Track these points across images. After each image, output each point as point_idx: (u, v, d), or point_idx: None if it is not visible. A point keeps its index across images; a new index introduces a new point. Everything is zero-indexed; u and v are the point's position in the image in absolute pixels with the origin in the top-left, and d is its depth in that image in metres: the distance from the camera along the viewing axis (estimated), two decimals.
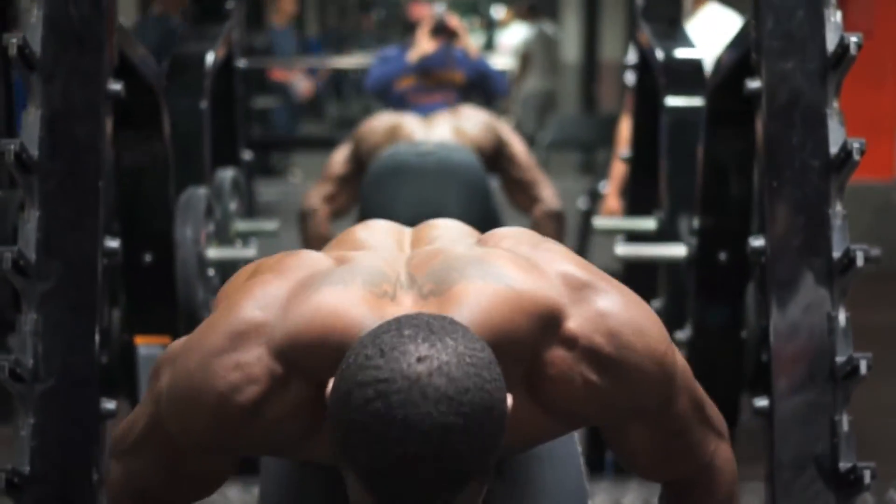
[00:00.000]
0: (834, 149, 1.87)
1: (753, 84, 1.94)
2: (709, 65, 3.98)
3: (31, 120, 1.87)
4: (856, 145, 1.83)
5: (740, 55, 2.11)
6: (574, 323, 1.31)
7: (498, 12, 15.25)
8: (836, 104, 1.90)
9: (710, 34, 4.05)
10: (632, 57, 3.16)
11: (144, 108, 2.29)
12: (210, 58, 2.85)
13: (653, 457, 1.42)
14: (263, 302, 1.31)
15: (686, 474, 1.45)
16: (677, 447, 1.41)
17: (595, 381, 1.31)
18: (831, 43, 1.88)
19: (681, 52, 2.92)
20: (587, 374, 1.31)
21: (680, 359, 1.40)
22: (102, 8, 1.91)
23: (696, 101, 2.79)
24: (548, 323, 1.30)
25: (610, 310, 1.33)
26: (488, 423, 1.13)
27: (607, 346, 1.31)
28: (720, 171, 2.43)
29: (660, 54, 2.89)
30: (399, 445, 1.11)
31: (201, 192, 2.53)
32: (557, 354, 1.31)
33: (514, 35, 11.32)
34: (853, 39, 1.84)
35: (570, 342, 1.31)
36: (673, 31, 3.02)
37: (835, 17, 1.90)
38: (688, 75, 2.85)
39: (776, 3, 1.92)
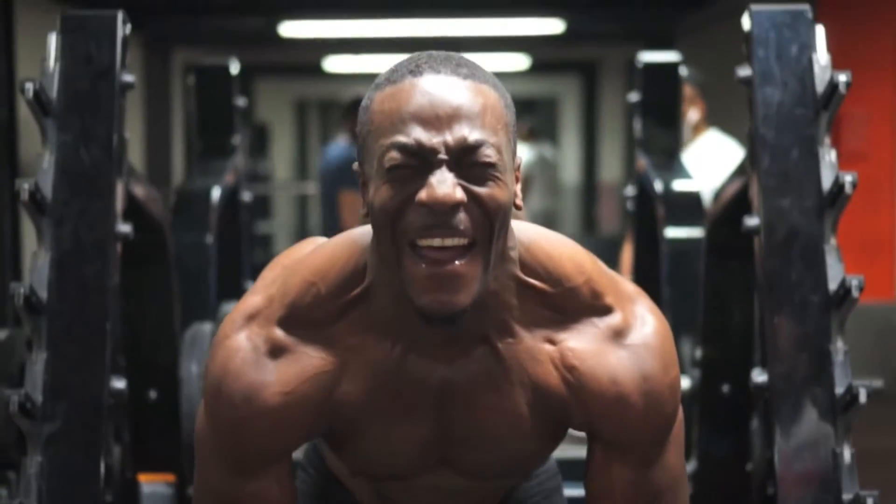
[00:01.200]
0: (833, 285, 1.89)
1: (752, 221, 1.97)
2: (708, 191, 4.05)
3: (41, 263, 1.90)
4: (854, 282, 1.85)
5: (738, 190, 2.14)
6: (618, 316, 1.38)
7: None
8: (833, 241, 1.92)
9: (709, 162, 4.12)
10: (630, 189, 3.20)
11: (151, 245, 2.32)
12: (216, 193, 2.89)
13: None
14: (261, 287, 1.40)
15: None
16: None
17: (616, 365, 1.35)
18: (827, 181, 1.92)
19: (680, 184, 2.96)
20: (613, 354, 1.36)
21: (679, 423, 1.43)
22: (113, 152, 1.95)
23: (695, 233, 2.83)
24: (598, 295, 1.37)
25: (651, 320, 1.39)
26: (502, 86, 1.29)
27: (639, 341, 1.36)
28: (721, 303, 2.44)
29: (659, 186, 2.93)
30: (423, 95, 1.23)
31: (206, 328, 2.55)
32: (593, 324, 1.36)
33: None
34: (848, 178, 1.87)
35: (608, 315, 1.37)
36: (671, 162, 3.07)
37: (829, 155, 1.94)
38: (687, 207, 2.89)
39: (771, 141, 1.96)
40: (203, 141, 3.12)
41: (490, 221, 1.24)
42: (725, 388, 2.46)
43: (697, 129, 4.29)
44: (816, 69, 1.96)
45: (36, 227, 1.92)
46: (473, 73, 1.27)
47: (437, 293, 1.24)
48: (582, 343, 1.36)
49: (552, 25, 6.97)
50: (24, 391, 1.79)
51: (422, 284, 1.24)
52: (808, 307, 1.91)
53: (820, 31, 1.98)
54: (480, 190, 1.23)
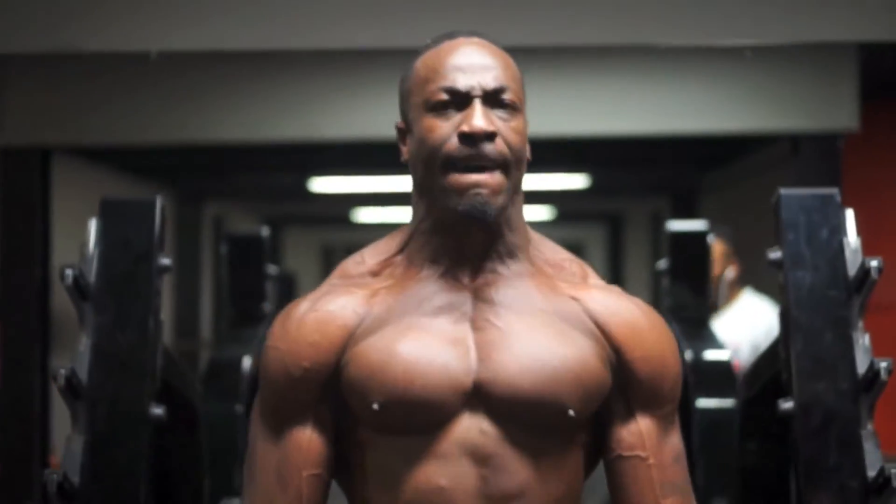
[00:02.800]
0: (872, 472, 1.87)
1: (787, 404, 1.96)
2: (744, 352, 4.04)
3: (74, 447, 1.90)
4: (894, 471, 1.83)
5: (772, 372, 2.13)
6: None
7: None
8: (870, 426, 1.91)
9: (745, 323, 4.14)
10: None
11: (182, 423, 2.32)
12: (246, 363, 2.90)
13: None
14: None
15: None
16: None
17: (636, 311, 1.55)
18: (862, 365, 1.91)
19: (710, 354, 2.95)
20: (635, 305, 1.56)
21: None
22: (149, 336, 1.97)
23: (726, 403, 2.81)
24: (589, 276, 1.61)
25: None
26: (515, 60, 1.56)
27: (644, 305, 1.58)
28: (757, 484, 2.41)
29: (689, 355, 2.93)
30: (460, 52, 1.52)
31: (235, 503, 2.53)
32: (600, 287, 1.59)
33: None
34: (883, 365, 1.87)
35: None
36: (701, 331, 3.07)
37: (863, 339, 1.94)
38: (718, 377, 2.88)
39: (805, 324, 1.96)
40: (235, 308, 3.15)
41: (512, 150, 1.50)
42: None
43: (733, 291, 4.32)
44: (847, 253, 1.97)
45: (71, 410, 1.93)
46: (494, 43, 1.57)
47: (473, 196, 1.48)
48: (599, 293, 1.56)
49: (577, 180, 7.05)
50: None
51: (461, 191, 1.49)
52: (846, 493, 1.88)
53: (850, 215, 2.00)
54: (505, 124, 1.51)
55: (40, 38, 3.27)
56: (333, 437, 1.52)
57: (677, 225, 3.22)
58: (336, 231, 12.40)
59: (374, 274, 1.57)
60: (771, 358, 2.16)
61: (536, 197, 8.54)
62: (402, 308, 1.52)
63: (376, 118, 4.17)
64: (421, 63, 1.55)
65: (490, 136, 1.49)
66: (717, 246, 4.25)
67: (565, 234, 12.45)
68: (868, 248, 1.98)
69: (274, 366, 1.52)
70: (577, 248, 13.22)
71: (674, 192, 7.88)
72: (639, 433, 1.53)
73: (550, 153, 5.49)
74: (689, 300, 3.13)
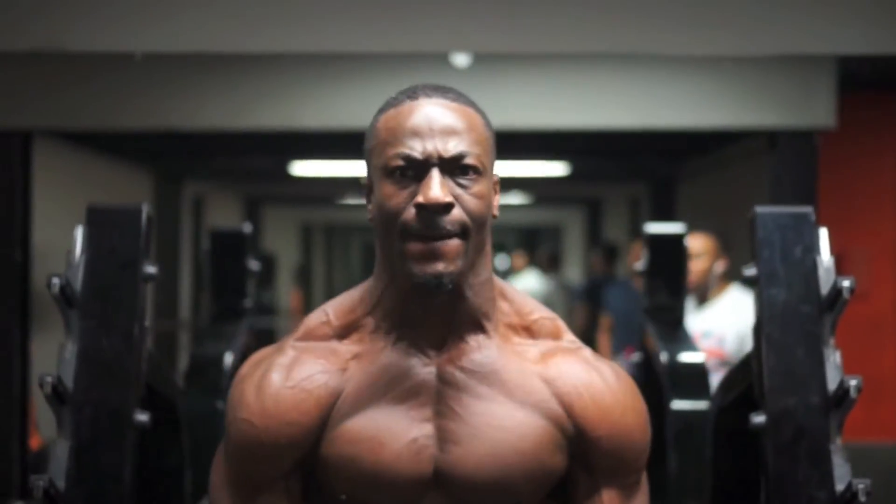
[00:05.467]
0: (840, 486, 1.91)
1: (758, 418, 2.00)
2: (729, 342, 4.09)
3: (59, 453, 1.93)
4: (861, 485, 1.88)
5: (745, 385, 2.18)
6: (586, 350, 1.60)
7: (502, 262, 15.45)
8: (839, 441, 1.95)
9: (731, 314, 4.21)
10: (637, 356, 3.24)
11: (164, 426, 2.35)
12: (228, 359, 2.93)
13: None
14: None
15: None
16: None
17: (601, 386, 1.55)
18: (832, 382, 1.96)
19: (685, 356, 3.00)
20: (596, 372, 1.56)
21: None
22: (134, 343, 2.00)
23: (700, 405, 2.85)
24: (560, 330, 1.62)
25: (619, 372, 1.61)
26: (482, 110, 1.53)
27: (612, 368, 1.58)
28: (730, 491, 2.46)
29: (664, 357, 2.97)
30: (419, 114, 1.48)
31: None
32: (566, 350, 1.58)
33: (528, 282, 11.47)
34: (853, 383, 1.91)
35: (576, 347, 1.60)
36: (676, 332, 3.11)
37: (834, 356, 1.98)
38: (692, 379, 2.92)
39: (777, 340, 2.00)
40: (216, 303, 3.17)
41: (471, 217, 1.49)
42: None
43: (721, 282, 4.38)
44: (821, 271, 2.01)
45: (56, 416, 1.96)
46: (458, 98, 1.54)
47: (427, 262, 1.47)
48: (565, 364, 1.56)
49: (556, 168, 7.08)
50: None
51: (416, 258, 1.47)
52: None
53: (823, 234, 2.04)
54: (465, 191, 1.49)
55: (24, 37, 3.27)
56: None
57: (655, 227, 3.25)
58: (316, 210, 12.40)
59: (340, 336, 1.57)
60: (744, 370, 2.21)
61: (517, 183, 8.57)
62: (371, 390, 1.52)
63: (354, 110, 4.18)
64: (382, 123, 1.52)
65: (447, 208, 1.47)
66: (706, 241, 4.33)
67: (545, 216, 12.50)
68: (839, 240, 2.01)
69: (248, 441, 1.52)
70: (555, 231, 13.26)
71: (652, 179, 7.93)
72: None
73: (534, 143, 5.52)
74: (665, 301, 3.17)
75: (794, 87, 4.32)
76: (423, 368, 1.53)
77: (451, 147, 1.48)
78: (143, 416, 2.00)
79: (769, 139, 4.50)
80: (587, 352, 1.60)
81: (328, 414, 1.52)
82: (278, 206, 11.18)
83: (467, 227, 1.49)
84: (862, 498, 1.88)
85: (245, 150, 6.32)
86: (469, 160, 1.49)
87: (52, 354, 2.01)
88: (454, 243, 1.48)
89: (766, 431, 1.98)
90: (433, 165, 1.48)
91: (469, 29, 3.18)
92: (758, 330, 2.03)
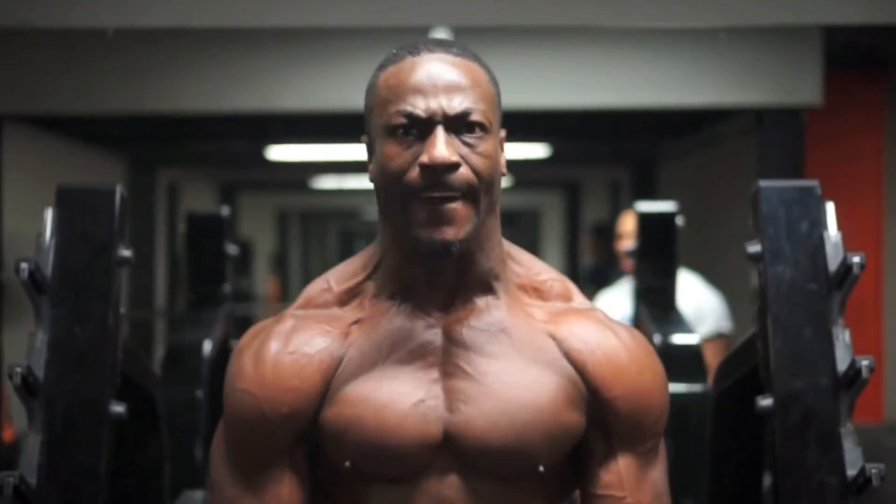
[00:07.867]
0: (852, 471, 1.84)
1: (765, 402, 1.92)
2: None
3: (30, 447, 1.83)
4: (874, 470, 1.80)
5: (747, 368, 2.09)
6: (598, 311, 1.52)
7: None
8: (850, 424, 1.88)
9: (681, 299, 4.12)
10: None
11: (142, 418, 2.25)
12: (207, 346, 2.83)
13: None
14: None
15: None
16: None
17: (615, 345, 1.46)
18: (843, 363, 1.88)
19: (679, 338, 2.92)
20: (612, 333, 1.47)
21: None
22: (108, 331, 1.89)
23: (695, 388, 2.78)
24: (570, 293, 1.53)
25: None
26: (487, 64, 1.46)
27: (627, 329, 1.50)
28: (730, 478, 2.38)
29: (657, 339, 2.89)
30: (422, 70, 1.41)
31: (197, 496, 2.46)
32: (577, 311, 1.50)
33: None
34: (864, 363, 1.83)
35: (587, 308, 1.51)
36: (669, 314, 3.03)
37: (843, 335, 1.90)
38: (687, 361, 2.85)
39: (784, 321, 1.91)
40: (193, 290, 3.06)
41: (479, 176, 1.41)
42: None
43: None
44: (828, 247, 1.93)
45: (27, 409, 1.85)
46: (462, 52, 1.45)
47: (434, 227, 1.40)
48: (577, 323, 1.48)
49: (536, 150, 7.00)
50: None
51: (422, 222, 1.40)
52: (825, 492, 1.85)
53: (830, 208, 1.96)
54: (471, 150, 1.41)
55: None
56: (308, 479, 1.47)
57: (645, 206, 3.17)
58: (292, 197, 12.30)
59: (342, 303, 1.50)
60: (746, 353, 2.12)
61: None
62: (375, 354, 1.45)
63: (332, 90, 4.09)
64: (382, 80, 1.44)
65: (453, 167, 1.39)
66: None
67: (523, 200, 12.43)
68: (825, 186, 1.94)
69: (249, 411, 1.45)
70: (534, 215, 13.20)
71: (633, 161, 7.86)
72: (617, 472, 1.47)
73: (513, 124, 5.43)
74: (656, 282, 3.09)
75: (780, 63, 4.26)
76: (429, 330, 1.46)
77: (456, 104, 1.40)
78: (118, 408, 1.90)
79: (755, 117, 4.44)
80: (600, 313, 1.51)
81: (330, 379, 1.45)
82: (254, 193, 11.06)
83: (475, 187, 1.41)
84: (875, 483, 1.80)
85: (220, 134, 6.21)
86: (475, 117, 1.41)
87: (25, 343, 1.90)
88: (462, 206, 1.40)
89: (773, 415, 1.90)
90: (437, 123, 1.40)
91: (448, 2, 3.08)
92: (763, 310, 1.95)
